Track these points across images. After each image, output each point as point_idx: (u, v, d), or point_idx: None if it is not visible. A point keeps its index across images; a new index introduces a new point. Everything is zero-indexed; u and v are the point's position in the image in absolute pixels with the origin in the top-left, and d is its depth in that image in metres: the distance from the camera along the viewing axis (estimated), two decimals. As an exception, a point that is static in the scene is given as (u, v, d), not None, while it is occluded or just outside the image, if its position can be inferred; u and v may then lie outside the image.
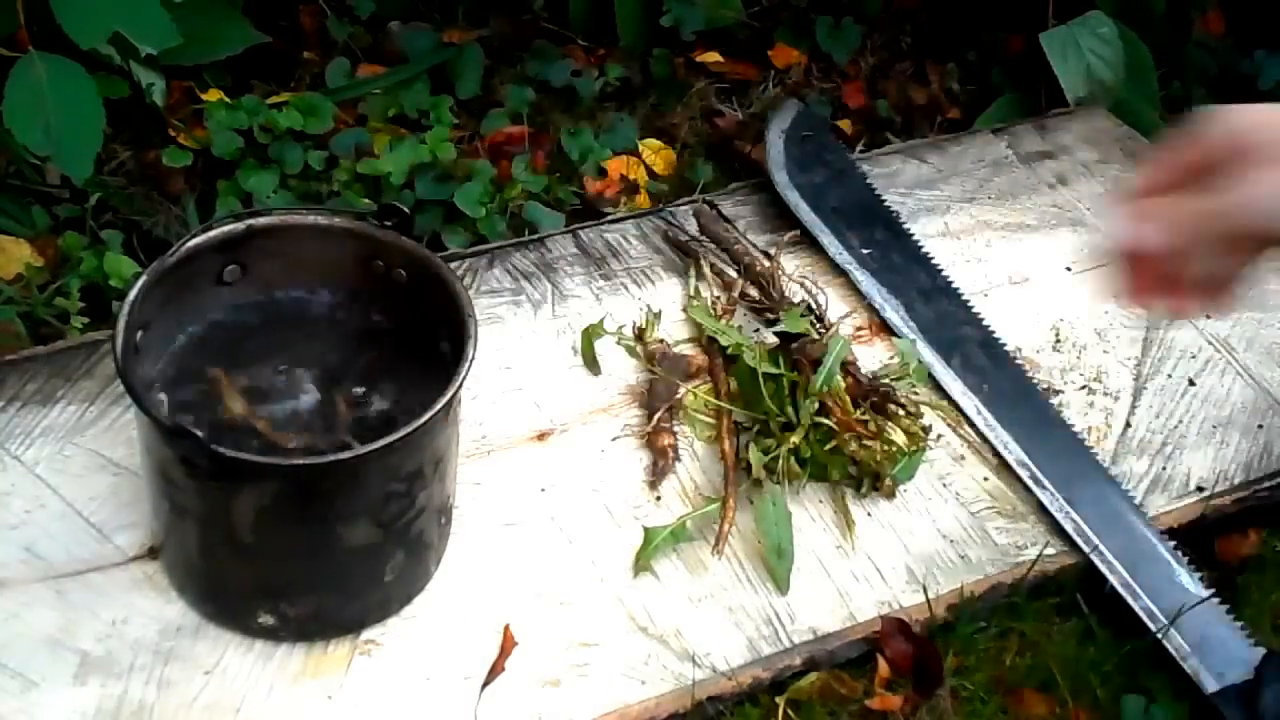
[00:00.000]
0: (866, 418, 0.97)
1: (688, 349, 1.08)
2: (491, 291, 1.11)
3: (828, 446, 0.96)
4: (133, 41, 1.10)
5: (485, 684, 0.85)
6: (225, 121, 1.25)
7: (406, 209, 0.88)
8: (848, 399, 0.97)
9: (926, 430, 1.01)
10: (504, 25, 1.47)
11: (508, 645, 0.86)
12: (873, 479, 0.98)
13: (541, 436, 1.01)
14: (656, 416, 1.00)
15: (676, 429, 1.01)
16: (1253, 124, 0.70)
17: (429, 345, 0.87)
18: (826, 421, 0.96)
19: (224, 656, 0.84)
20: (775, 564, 0.93)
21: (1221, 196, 0.69)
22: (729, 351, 1.02)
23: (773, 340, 1.04)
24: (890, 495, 0.98)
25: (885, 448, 0.97)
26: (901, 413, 0.99)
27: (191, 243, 0.85)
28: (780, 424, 0.97)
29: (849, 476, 0.98)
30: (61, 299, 1.10)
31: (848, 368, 0.99)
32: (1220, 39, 1.58)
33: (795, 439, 0.95)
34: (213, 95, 1.27)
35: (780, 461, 0.94)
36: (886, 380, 1.01)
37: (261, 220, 0.88)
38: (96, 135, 1.08)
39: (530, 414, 1.02)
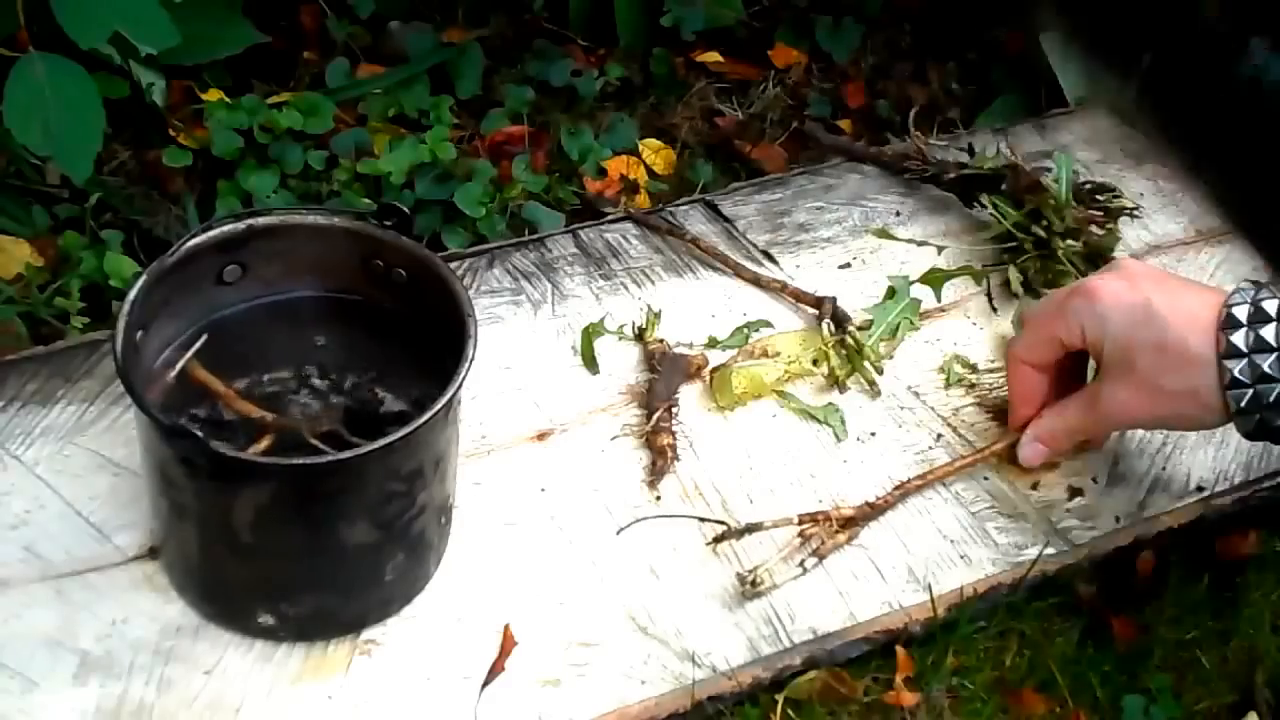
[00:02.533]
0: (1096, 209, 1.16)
1: (687, 349, 1.08)
2: (491, 291, 1.11)
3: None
4: (133, 41, 1.10)
5: (485, 684, 0.85)
6: (225, 121, 1.25)
7: (407, 209, 0.88)
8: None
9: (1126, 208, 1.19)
10: (504, 25, 1.47)
11: (508, 645, 0.86)
12: (1101, 258, 1.13)
13: (541, 436, 1.01)
14: (655, 416, 1.00)
15: (676, 429, 1.01)
16: (1097, 327, 0.91)
17: (429, 345, 0.87)
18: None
19: (224, 656, 0.84)
20: None
21: (1085, 415, 0.94)
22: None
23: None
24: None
25: (1110, 226, 1.15)
26: (1104, 196, 1.18)
27: (191, 243, 0.85)
28: (1034, 242, 1.14)
29: (1083, 266, 1.12)
30: (61, 299, 1.10)
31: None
32: (1220, 39, 1.58)
33: (1062, 244, 1.13)
34: (213, 95, 1.27)
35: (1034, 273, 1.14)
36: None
37: (261, 220, 0.88)
38: (96, 135, 1.08)
39: (530, 414, 1.02)
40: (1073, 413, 0.95)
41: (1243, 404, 0.85)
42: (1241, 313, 0.86)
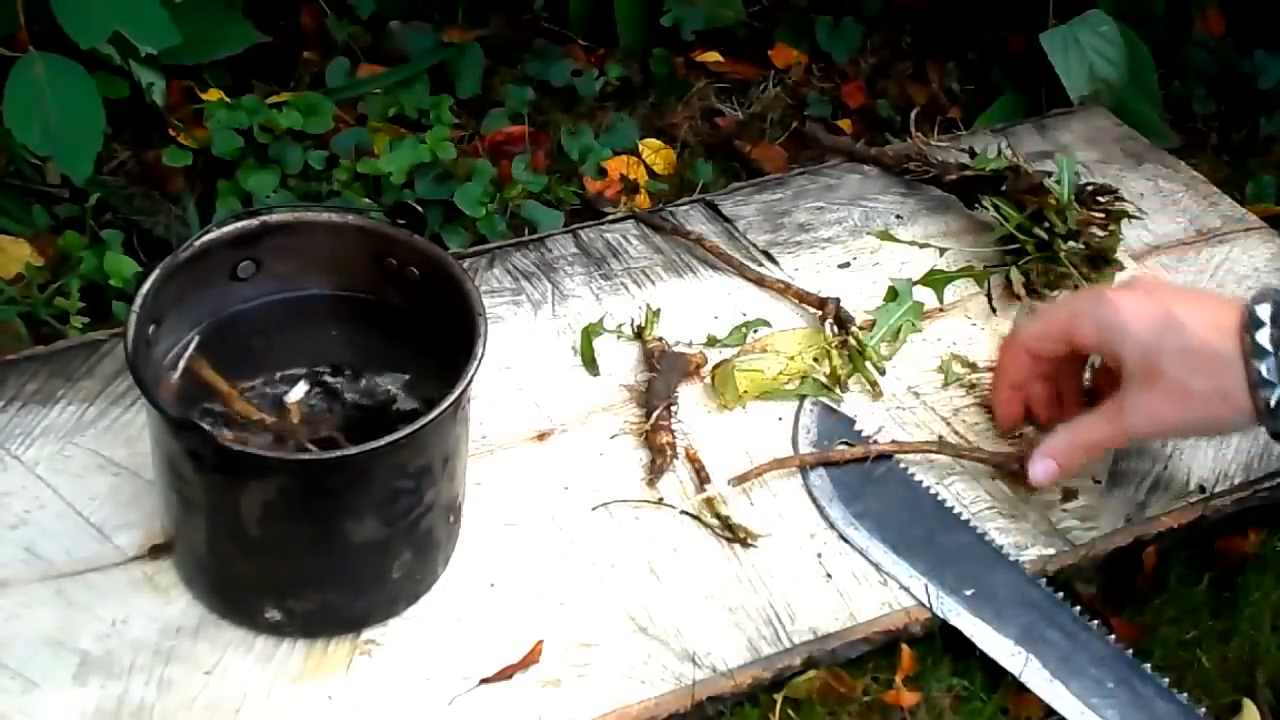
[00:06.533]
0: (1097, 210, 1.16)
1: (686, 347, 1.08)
2: (491, 291, 1.11)
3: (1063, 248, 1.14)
4: (133, 41, 1.10)
5: (486, 681, 0.85)
6: (225, 121, 1.25)
7: (420, 208, 0.88)
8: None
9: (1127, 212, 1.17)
10: (504, 25, 1.47)
11: (532, 655, 0.86)
12: (1103, 260, 1.14)
13: (541, 436, 1.01)
14: (655, 414, 1.00)
15: (675, 427, 1.01)
16: (1118, 339, 0.90)
17: (440, 343, 0.87)
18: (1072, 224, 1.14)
19: (224, 657, 0.84)
20: None
21: (1108, 427, 0.92)
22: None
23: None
24: (1120, 268, 1.16)
25: (1112, 228, 1.15)
26: (1106, 198, 1.16)
27: (205, 238, 0.85)
28: (1035, 244, 1.14)
29: (1084, 269, 1.13)
30: (61, 299, 1.10)
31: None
32: (1220, 39, 1.58)
33: (1064, 246, 1.13)
34: (213, 95, 1.27)
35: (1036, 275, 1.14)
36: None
37: (276, 216, 0.89)
38: (96, 135, 1.08)
39: (530, 414, 1.02)
40: (1093, 426, 0.94)
41: (1272, 402, 0.85)
42: (1264, 312, 0.86)
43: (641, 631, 0.89)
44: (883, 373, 1.08)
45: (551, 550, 0.93)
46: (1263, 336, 0.85)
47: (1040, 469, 0.96)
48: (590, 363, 1.06)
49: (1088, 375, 1.01)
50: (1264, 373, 0.85)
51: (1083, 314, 0.93)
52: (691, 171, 1.35)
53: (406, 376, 0.89)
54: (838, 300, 1.11)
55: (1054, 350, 0.96)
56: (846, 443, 1.01)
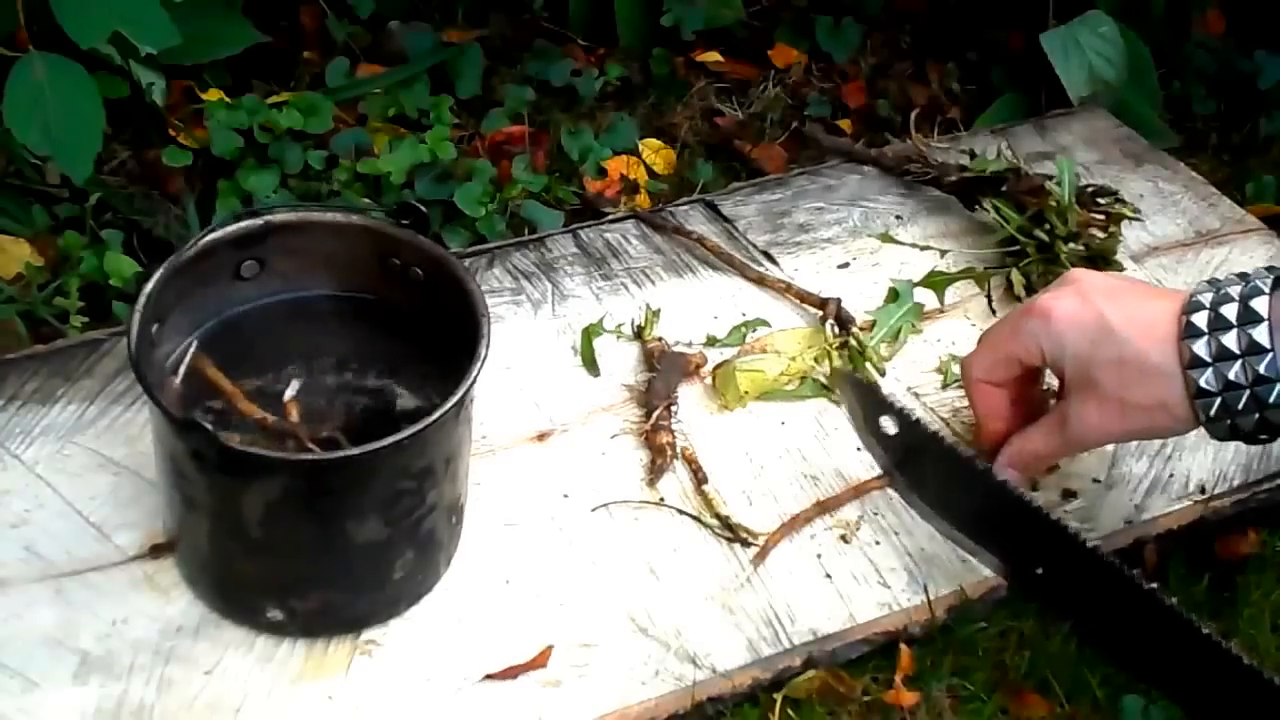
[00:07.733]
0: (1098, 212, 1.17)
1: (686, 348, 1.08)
2: (491, 291, 1.11)
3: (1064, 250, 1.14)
4: (133, 41, 1.10)
5: (487, 678, 0.85)
6: (225, 121, 1.25)
7: (423, 208, 0.88)
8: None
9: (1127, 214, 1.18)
10: (504, 25, 1.47)
11: (540, 659, 0.86)
12: (1103, 261, 1.14)
13: (541, 437, 1.01)
14: (655, 414, 1.00)
15: (676, 428, 1.01)
16: (1055, 348, 0.90)
17: (443, 343, 0.87)
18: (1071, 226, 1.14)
19: (224, 657, 0.84)
20: None
21: (1055, 437, 0.93)
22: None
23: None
24: (1121, 269, 1.16)
25: (1112, 229, 1.16)
26: (1106, 199, 1.17)
27: (209, 238, 0.85)
28: (1036, 246, 1.14)
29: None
30: (61, 299, 1.10)
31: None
32: (1220, 39, 1.58)
33: (1064, 248, 1.13)
34: (213, 95, 1.27)
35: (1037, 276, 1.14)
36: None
37: (279, 216, 0.88)
38: (96, 135, 1.08)
39: (530, 414, 1.02)
40: (1042, 437, 0.94)
41: (1212, 412, 0.85)
42: (1201, 319, 0.85)
43: (641, 632, 0.89)
44: (883, 373, 1.08)
45: (552, 550, 0.93)
46: (1200, 347, 0.84)
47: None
48: (590, 363, 1.06)
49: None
50: (1203, 384, 0.84)
51: (1020, 331, 0.92)
52: (691, 171, 1.35)
53: (409, 376, 0.89)
54: (838, 300, 1.11)
55: (1008, 374, 0.95)
56: None
